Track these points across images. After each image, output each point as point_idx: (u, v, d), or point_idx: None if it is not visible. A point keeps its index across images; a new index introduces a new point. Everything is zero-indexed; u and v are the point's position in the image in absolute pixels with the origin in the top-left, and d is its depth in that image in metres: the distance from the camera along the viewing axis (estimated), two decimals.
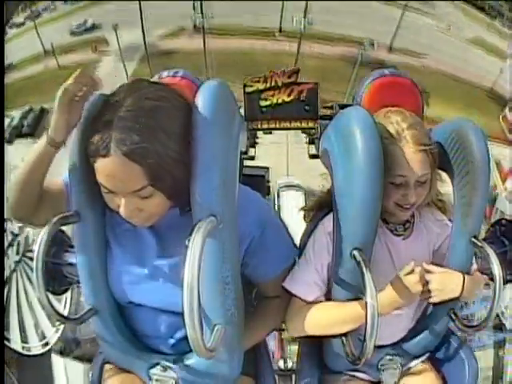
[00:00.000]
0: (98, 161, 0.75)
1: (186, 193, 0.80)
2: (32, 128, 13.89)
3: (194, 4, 15.86)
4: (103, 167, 0.75)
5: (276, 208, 11.11)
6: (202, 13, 15.53)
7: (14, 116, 13.75)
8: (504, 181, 11.84)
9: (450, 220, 1.09)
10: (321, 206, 1.10)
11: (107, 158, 0.73)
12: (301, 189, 11.77)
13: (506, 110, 12.82)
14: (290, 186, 11.84)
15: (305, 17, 15.39)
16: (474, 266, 1.07)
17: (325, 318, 1.00)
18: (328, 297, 1.02)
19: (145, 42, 15.97)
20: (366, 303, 0.84)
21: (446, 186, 1.06)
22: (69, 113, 0.80)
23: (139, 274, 0.91)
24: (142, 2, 15.21)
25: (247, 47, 16.48)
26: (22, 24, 16.28)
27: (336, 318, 0.99)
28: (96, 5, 16.38)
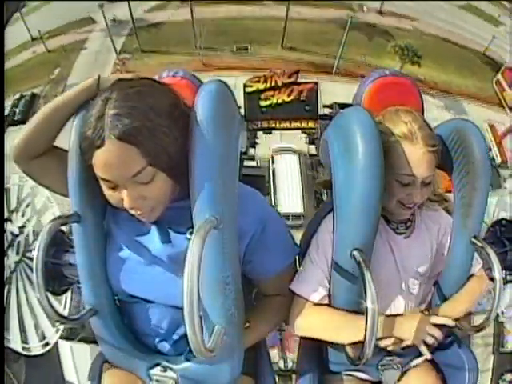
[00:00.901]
0: (94, 155, 0.76)
1: (186, 172, 0.81)
2: (24, 114, 13.61)
3: None
4: (100, 158, 0.76)
5: (271, 173, 10.97)
6: None
7: (4, 106, 13.44)
8: (499, 144, 11.87)
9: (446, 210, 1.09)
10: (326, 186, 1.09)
11: (102, 147, 0.75)
12: (295, 152, 11.70)
13: (499, 74, 12.84)
14: (283, 150, 11.76)
15: None
16: (478, 266, 1.07)
17: (327, 327, 1.00)
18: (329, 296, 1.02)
19: (131, 14, 15.67)
20: (366, 308, 0.84)
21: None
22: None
23: (140, 262, 0.91)
24: None
25: (235, 14, 16.33)
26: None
27: (339, 330, 0.99)
28: None
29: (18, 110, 13.89)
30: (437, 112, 13.21)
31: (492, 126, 12.25)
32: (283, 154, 11.72)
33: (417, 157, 0.93)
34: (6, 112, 13.48)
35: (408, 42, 14.98)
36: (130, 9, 15.62)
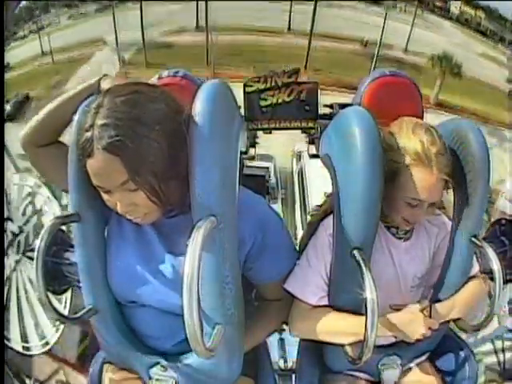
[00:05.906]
0: (87, 163, 0.78)
1: (171, 195, 0.81)
2: (13, 111, 13.38)
3: (197, 4, 15.55)
4: (91, 167, 0.78)
5: (297, 172, 10.83)
6: (206, 13, 15.15)
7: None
8: None
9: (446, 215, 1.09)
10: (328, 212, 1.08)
11: (92, 157, 0.76)
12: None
13: None
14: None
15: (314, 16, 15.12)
16: (477, 268, 1.07)
17: (327, 328, 1.00)
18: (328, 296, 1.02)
19: (142, 30, 15.67)
20: (365, 303, 0.84)
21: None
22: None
23: (140, 270, 0.91)
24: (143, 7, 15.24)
25: (254, 41, 15.69)
26: (26, 37, 16.49)
27: (338, 329, 0.99)
28: (98, 17, 16.63)
29: (8, 106, 13.81)
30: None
31: None
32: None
33: (428, 183, 0.92)
34: None
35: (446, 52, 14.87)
36: (142, 23, 15.52)
